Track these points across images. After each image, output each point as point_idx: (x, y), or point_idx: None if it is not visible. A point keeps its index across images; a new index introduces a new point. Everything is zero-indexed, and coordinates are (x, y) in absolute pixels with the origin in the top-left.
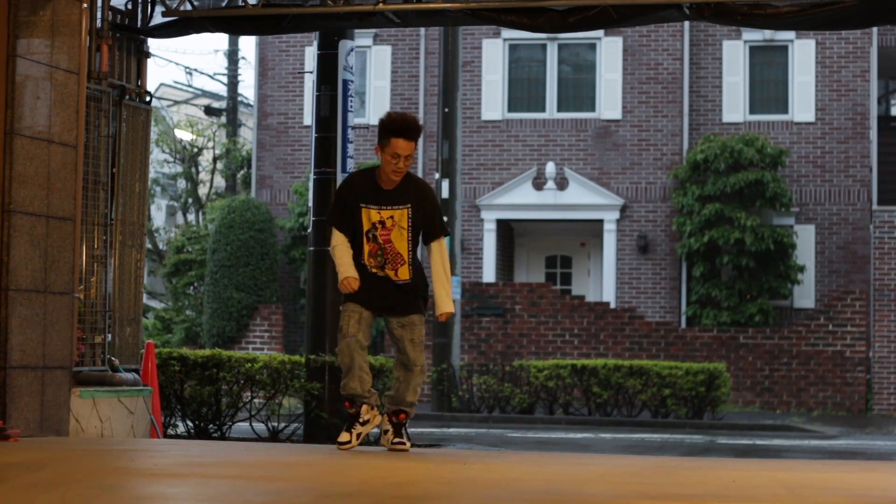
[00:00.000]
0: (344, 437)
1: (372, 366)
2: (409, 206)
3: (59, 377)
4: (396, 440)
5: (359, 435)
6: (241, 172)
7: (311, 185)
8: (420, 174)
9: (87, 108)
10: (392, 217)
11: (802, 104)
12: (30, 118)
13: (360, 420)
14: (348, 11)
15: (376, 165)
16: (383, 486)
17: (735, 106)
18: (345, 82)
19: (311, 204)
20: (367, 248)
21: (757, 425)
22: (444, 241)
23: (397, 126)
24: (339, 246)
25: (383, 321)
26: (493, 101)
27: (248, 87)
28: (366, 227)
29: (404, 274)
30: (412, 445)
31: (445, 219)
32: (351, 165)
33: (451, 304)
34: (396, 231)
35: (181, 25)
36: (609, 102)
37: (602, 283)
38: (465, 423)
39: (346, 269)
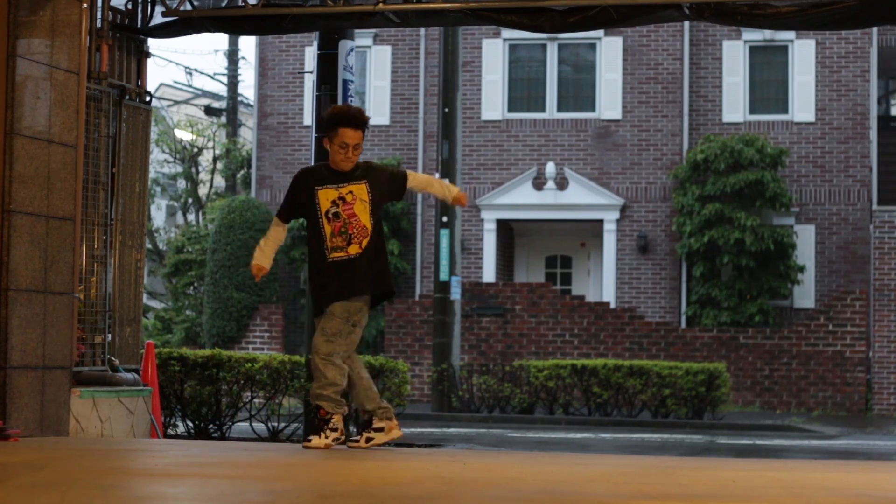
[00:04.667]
0: (315, 441)
1: (372, 366)
2: (366, 181)
3: (59, 377)
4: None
5: (329, 442)
6: (241, 172)
7: None
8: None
9: (87, 108)
10: (352, 192)
11: (802, 104)
12: (30, 118)
13: (331, 426)
14: (348, 11)
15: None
16: (383, 486)
17: (735, 106)
18: (345, 82)
19: None
20: (328, 229)
21: (757, 425)
22: (411, 174)
23: (343, 116)
24: (268, 234)
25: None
26: (493, 101)
27: (248, 87)
28: (324, 207)
29: (367, 243)
30: (412, 445)
31: (445, 219)
32: None
33: (452, 187)
34: (359, 204)
35: (181, 25)
36: (609, 102)
37: (602, 283)
38: (465, 423)
39: (258, 256)
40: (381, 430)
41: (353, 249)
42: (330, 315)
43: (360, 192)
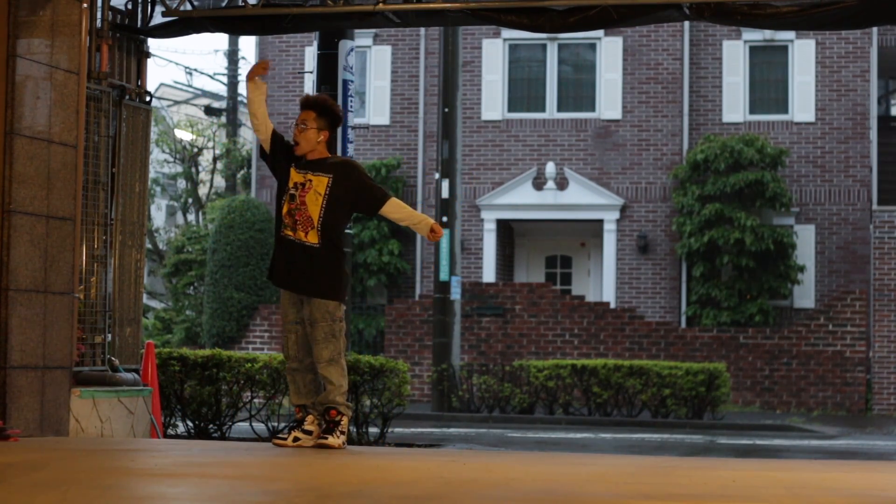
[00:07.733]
0: (282, 435)
1: (372, 365)
2: (331, 175)
3: (59, 377)
4: (322, 437)
5: (296, 439)
6: (241, 172)
7: None
8: (420, 174)
9: (87, 108)
10: (311, 181)
11: (802, 104)
12: (30, 118)
13: (304, 427)
14: (348, 11)
15: None
16: (383, 486)
17: (735, 106)
18: (345, 82)
19: None
20: (285, 206)
21: (757, 425)
22: (394, 200)
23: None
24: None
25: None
26: (493, 101)
27: None
28: (290, 185)
29: (312, 238)
30: (412, 445)
31: (445, 219)
32: None
33: (427, 219)
34: (312, 194)
35: (181, 25)
36: (609, 102)
37: (602, 283)
38: (465, 423)
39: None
40: (310, 433)
41: (299, 235)
42: None
43: (318, 184)
